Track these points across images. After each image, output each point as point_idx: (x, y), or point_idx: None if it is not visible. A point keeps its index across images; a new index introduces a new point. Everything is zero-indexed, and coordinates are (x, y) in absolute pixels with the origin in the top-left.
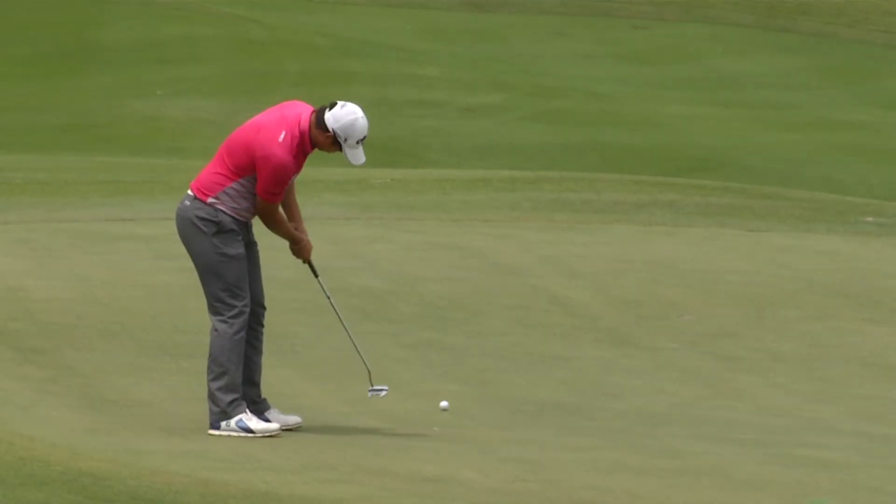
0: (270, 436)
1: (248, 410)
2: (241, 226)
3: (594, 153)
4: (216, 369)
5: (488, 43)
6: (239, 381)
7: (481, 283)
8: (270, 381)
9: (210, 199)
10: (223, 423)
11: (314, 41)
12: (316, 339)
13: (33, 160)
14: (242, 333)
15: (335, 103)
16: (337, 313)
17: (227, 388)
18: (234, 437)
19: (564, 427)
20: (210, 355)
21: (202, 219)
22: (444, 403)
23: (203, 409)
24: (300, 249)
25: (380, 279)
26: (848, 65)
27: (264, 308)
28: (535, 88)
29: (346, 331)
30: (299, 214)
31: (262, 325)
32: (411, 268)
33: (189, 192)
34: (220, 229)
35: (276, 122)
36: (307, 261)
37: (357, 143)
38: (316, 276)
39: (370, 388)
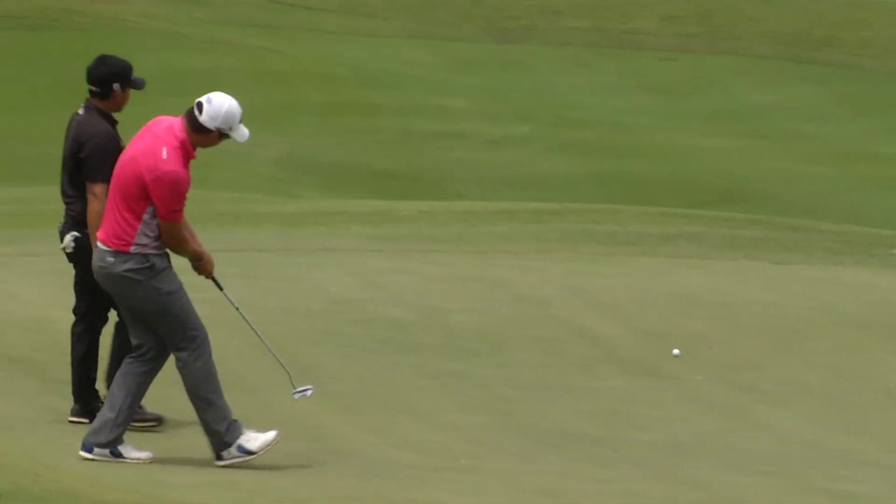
0: (263, 451)
1: (244, 430)
2: (167, 258)
3: (619, 184)
4: (200, 404)
5: (513, 74)
6: (223, 403)
7: (506, 314)
8: (294, 410)
9: (133, 248)
10: (225, 453)
11: (338, 72)
12: (339, 370)
13: (54, 191)
14: (210, 359)
15: (199, 103)
16: (248, 322)
17: (217, 418)
18: (263, 467)
19: (588, 458)
20: (188, 392)
21: (134, 270)
22: (676, 351)
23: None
24: (204, 265)
25: (404, 310)
26: (874, 96)
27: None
28: (561, 120)
29: (259, 336)
30: (194, 231)
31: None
32: (436, 299)
33: (104, 246)
34: (155, 273)
35: (152, 143)
36: (211, 276)
37: (239, 123)
38: (221, 289)
39: (293, 390)
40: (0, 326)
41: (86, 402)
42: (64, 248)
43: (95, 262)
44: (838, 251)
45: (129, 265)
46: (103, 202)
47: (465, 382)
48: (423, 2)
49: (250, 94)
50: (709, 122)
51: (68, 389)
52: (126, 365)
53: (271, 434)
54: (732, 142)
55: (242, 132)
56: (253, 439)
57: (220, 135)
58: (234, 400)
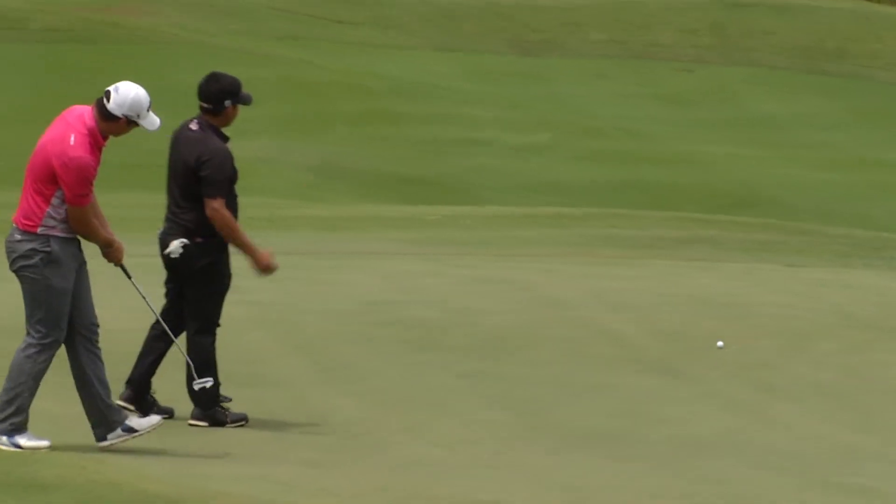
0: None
1: (26, 430)
2: (74, 245)
3: (638, 190)
4: (11, 387)
5: (535, 85)
6: (27, 404)
7: (531, 315)
8: (329, 408)
9: (40, 230)
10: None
11: (368, 83)
12: (371, 369)
13: (103, 197)
14: (48, 363)
15: (107, 92)
16: (153, 311)
17: (13, 407)
18: (298, 461)
19: (610, 454)
20: (13, 371)
21: (34, 251)
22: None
23: (267, 434)
24: (113, 252)
25: (433, 311)
26: (882, 106)
27: (97, 326)
28: (581, 128)
29: (163, 325)
30: (104, 218)
31: (98, 344)
32: (463, 301)
33: (15, 226)
34: (50, 259)
35: (62, 131)
36: (119, 263)
37: (147, 111)
38: (129, 277)
39: (195, 381)
40: None
41: (202, 405)
42: (169, 253)
43: (7, 238)
44: (847, 254)
45: (32, 245)
46: (224, 215)
47: (491, 381)
48: (450, 16)
49: (284, 104)
50: (723, 131)
51: (112, 386)
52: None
53: (45, 442)
54: (746, 150)
55: (152, 120)
56: (28, 438)
57: (129, 122)
58: (270, 397)
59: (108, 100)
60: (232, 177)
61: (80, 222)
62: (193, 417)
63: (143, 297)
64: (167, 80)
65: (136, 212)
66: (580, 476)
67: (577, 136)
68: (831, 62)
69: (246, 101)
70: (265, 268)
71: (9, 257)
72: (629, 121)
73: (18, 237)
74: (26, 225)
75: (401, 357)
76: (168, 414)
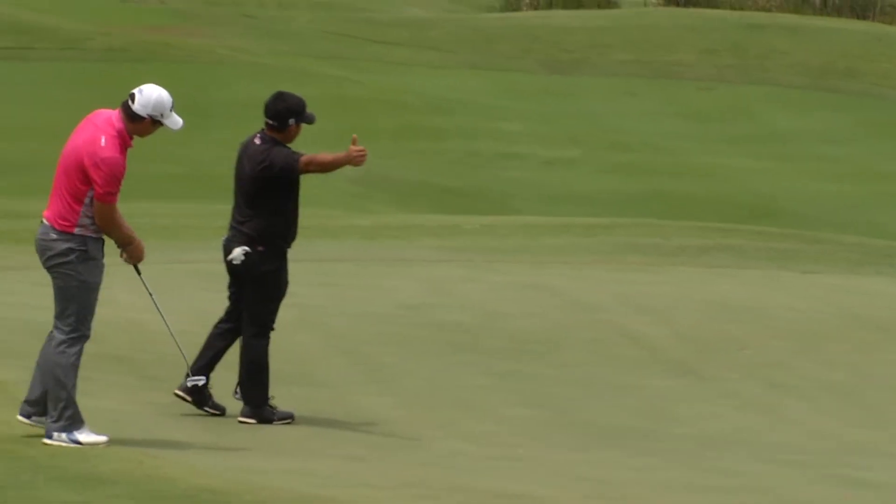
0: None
1: (85, 425)
2: (102, 245)
3: (661, 201)
4: (56, 382)
5: (566, 102)
6: (73, 395)
7: (560, 318)
8: (369, 406)
9: (77, 230)
10: (55, 434)
11: (408, 100)
12: (409, 369)
13: (157, 207)
14: (80, 356)
15: (132, 95)
16: (158, 310)
17: (65, 401)
18: (339, 456)
19: (632, 449)
20: (51, 366)
21: (71, 249)
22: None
23: (311, 430)
24: (133, 249)
25: (469, 315)
26: (892, 121)
27: None
28: (608, 143)
29: (166, 325)
30: (124, 220)
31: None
32: (498, 305)
33: (48, 223)
34: (86, 257)
35: (92, 133)
36: (138, 262)
37: (171, 111)
38: (139, 274)
39: (189, 378)
40: (103, 329)
41: (252, 404)
42: (231, 260)
43: (39, 235)
44: (859, 262)
45: (69, 244)
46: (287, 218)
47: (522, 380)
48: (485, 36)
49: (329, 119)
50: (742, 146)
51: (165, 385)
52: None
53: (103, 437)
54: (763, 163)
55: (175, 120)
56: (87, 434)
57: (153, 122)
58: (314, 396)
59: (133, 101)
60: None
61: (107, 219)
62: (243, 415)
63: (151, 295)
64: (219, 97)
65: (184, 220)
66: (603, 470)
67: (604, 150)
68: (843, 80)
69: (309, 120)
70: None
71: (42, 255)
72: (653, 136)
73: (55, 236)
74: (63, 225)
75: (437, 358)
76: (220, 411)
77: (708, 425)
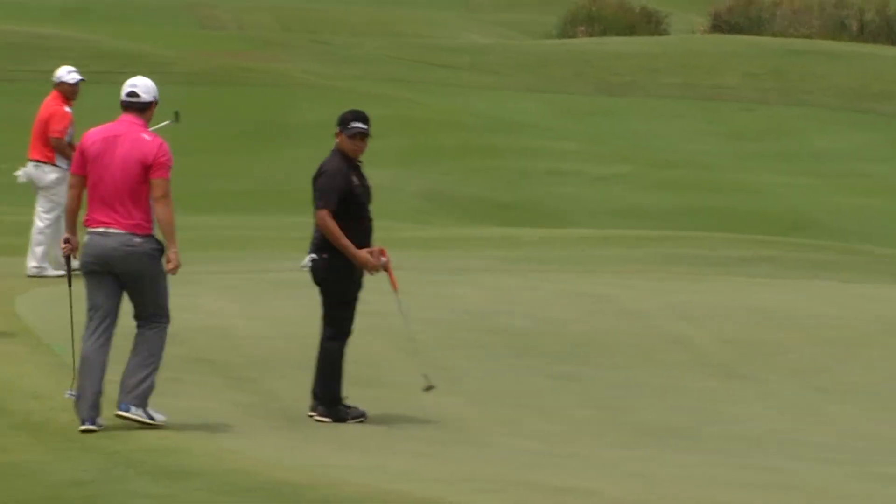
0: None
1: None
2: None
3: (705, 215)
4: (152, 361)
5: (617, 122)
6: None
7: (612, 324)
8: (437, 406)
9: (154, 230)
10: (133, 409)
11: (468, 120)
12: (473, 371)
13: (234, 220)
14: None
15: (132, 92)
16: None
17: (152, 378)
18: (408, 453)
19: (679, 447)
20: (148, 350)
21: (156, 249)
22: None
23: (383, 429)
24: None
25: (528, 321)
26: None
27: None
28: (656, 161)
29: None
30: None
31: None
32: (554, 311)
33: (123, 232)
34: (161, 253)
35: (135, 134)
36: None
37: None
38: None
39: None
40: (191, 333)
41: (325, 403)
42: (301, 266)
43: (118, 244)
44: (894, 272)
45: (151, 245)
46: (327, 223)
47: (578, 382)
48: (540, 61)
49: (397, 139)
50: (781, 163)
51: (249, 386)
52: (107, 344)
53: (162, 417)
54: (800, 179)
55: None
56: (158, 414)
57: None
58: (385, 396)
59: (139, 94)
60: (344, 193)
61: (172, 213)
62: (318, 414)
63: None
64: (293, 118)
65: (260, 233)
66: (651, 466)
67: (652, 167)
68: (877, 102)
69: (351, 132)
70: (364, 265)
71: (123, 260)
72: (698, 154)
73: (139, 240)
74: (144, 228)
75: (500, 360)
76: (362, 416)
77: (750, 425)
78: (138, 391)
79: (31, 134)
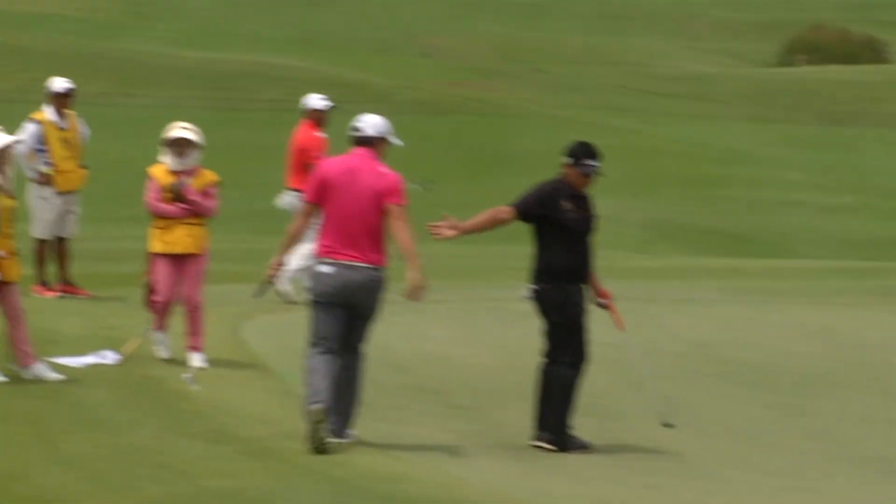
0: None
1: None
2: None
3: None
4: (356, 390)
5: (842, 152)
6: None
7: (838, 356)
8: (660, 437)
9: (387, 260)
10: (351, 433)
11: (691, 150)
12: (699, 403)
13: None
14: None
15: (356, 128)
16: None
17: (354, 411)
18: (632, 485)
19: None
20: (357, 381)
21: (385, 279)
22: None
23: (608, 459)
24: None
25: (754, 352)
26: None
27: None
28: (883, 191)
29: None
30: None
31: None
32: (779, 342)
33: (366, 265)
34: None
35: (373, 170)
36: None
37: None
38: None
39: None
40: (414, 362)
41: (551, 431)
42: (524, 297)
43: (364, 278)
44: None
45: (384, 276)
46: (488, 211)
47: (802, 415)
48: (764, 91)
49: (620, 168)
50: None
51: (472, 415)
52: (334, 364)
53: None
54: None
55: (397, 141)
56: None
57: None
58: (609, 427)
59: (361, 129)
60: (546, 209)
61: (412, 241)
62: (545, 441)
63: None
64: (513, 146)
65: (490, 262)
66: (886, 502)
67: (879, 197)
68: None
69: (585, 171)
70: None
71: (367, 293)
72: None
73: (378, 274)
74: (382, 261)
75: (724, 392)
76: (586, 447)
77: None
78: (352, 419)
79: (288, 162)
